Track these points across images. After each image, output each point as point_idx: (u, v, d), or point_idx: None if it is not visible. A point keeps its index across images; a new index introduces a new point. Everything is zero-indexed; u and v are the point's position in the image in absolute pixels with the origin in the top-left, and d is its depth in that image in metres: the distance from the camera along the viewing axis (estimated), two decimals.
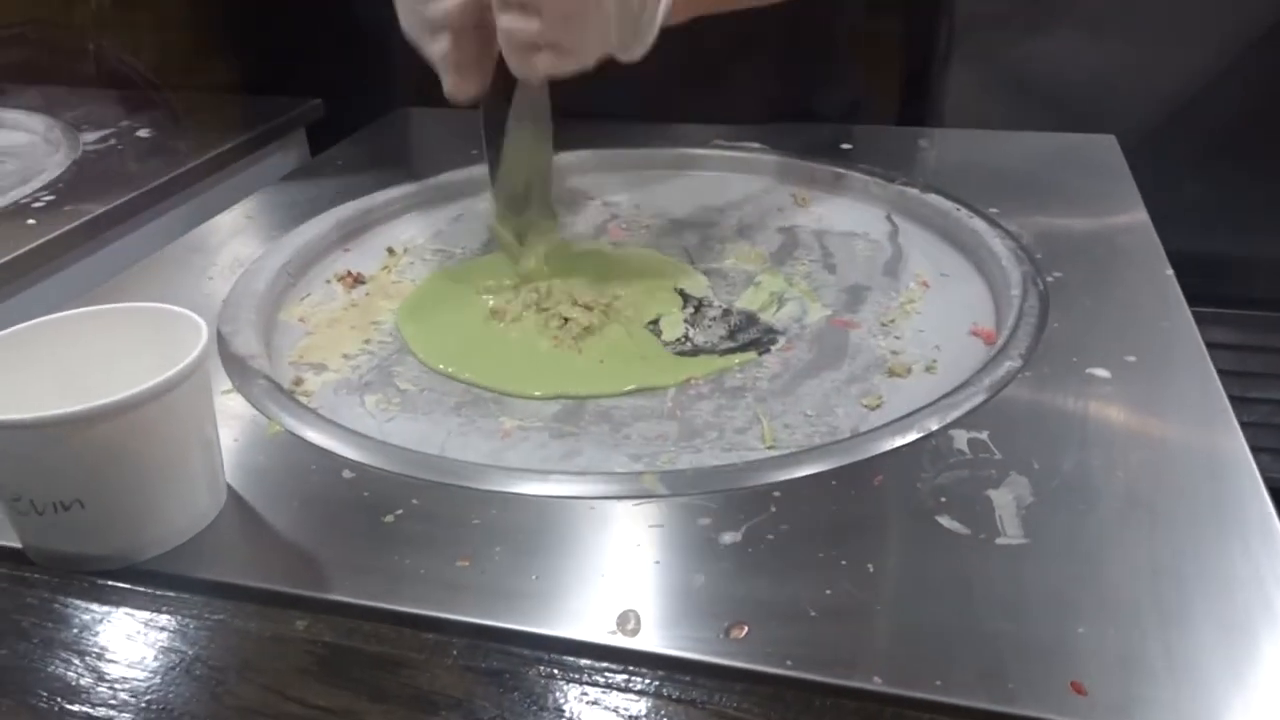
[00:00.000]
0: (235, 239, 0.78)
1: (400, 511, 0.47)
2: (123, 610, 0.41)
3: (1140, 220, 0.73)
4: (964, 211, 0.75)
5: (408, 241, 0.81)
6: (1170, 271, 0.65)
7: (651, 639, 0.39)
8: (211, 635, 0.39)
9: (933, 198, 0.78)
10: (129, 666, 0.38)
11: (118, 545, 0.43)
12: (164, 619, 0.40)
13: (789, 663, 0.37)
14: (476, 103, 0.66)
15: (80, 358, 0.47)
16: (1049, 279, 0.65)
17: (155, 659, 0.38)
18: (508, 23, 0.60)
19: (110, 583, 0.43)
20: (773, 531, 0.44)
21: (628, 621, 0.39)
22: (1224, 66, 1.27)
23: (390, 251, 0.79)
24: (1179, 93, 1.29)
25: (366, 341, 0.66)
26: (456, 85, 0.64)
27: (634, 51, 0.63)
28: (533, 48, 0.61)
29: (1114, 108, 1.11)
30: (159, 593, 0.42)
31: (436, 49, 0.64)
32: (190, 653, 0.38)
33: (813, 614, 0.40)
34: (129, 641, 0.39)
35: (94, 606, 0.41)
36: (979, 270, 0.70)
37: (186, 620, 0.40)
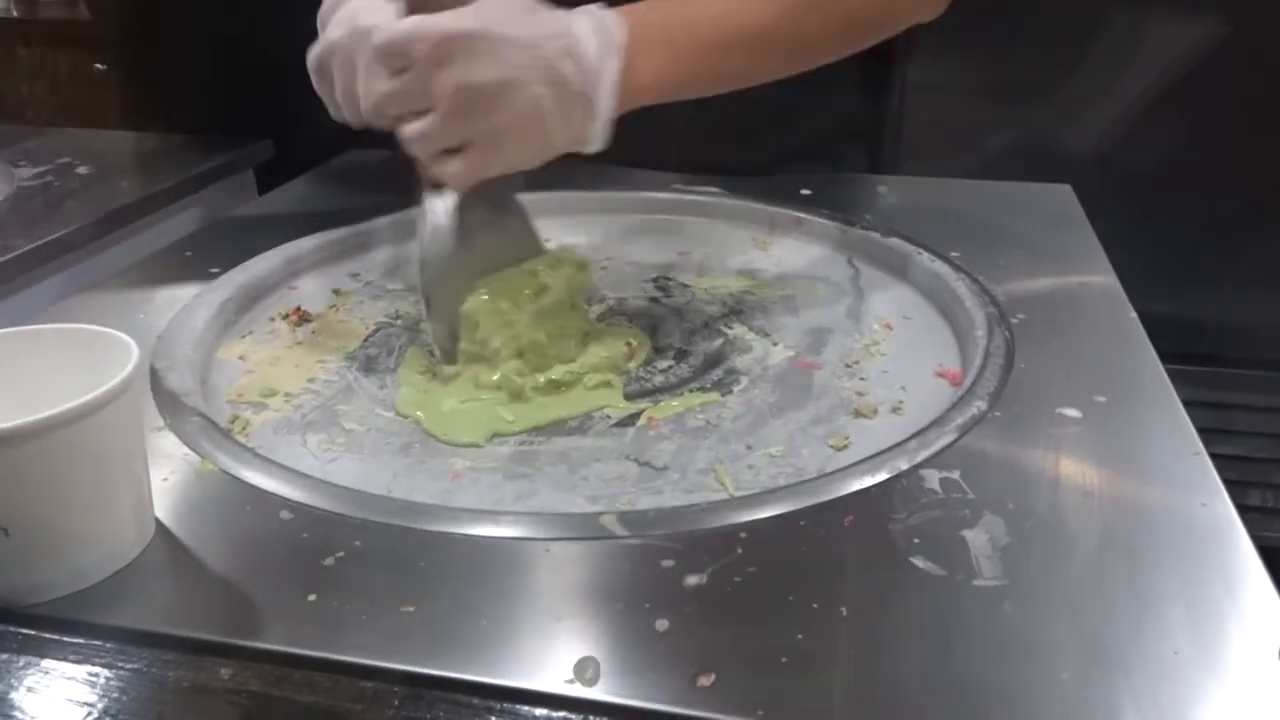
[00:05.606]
0: (173, 275, 0.74)
1: (341, 554, 0.43)
2: (24, 658, 0.37)
3: (1101, 265, 0.73)
4: (926, 255, 0.74)
5: (355, 281, 0.78)
6: (1134, 314, 0.65)
7: (612, 688, 0.36)
8: (125, 686, 0.35)
9: (894, 241, 0.77)
10: None
11: (36, 578, 0.40)
12: (70, 668, 0.36)
13: (760, 712, 0.35)
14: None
15: (4, 380, 0.44)
16: (1013, 321, 0.64)
17: (58, 714, 0.34)
18: (408, 129, 0.57)
19: (9, 627, 0.39)
20: (740, 574, 0.42)
21: (586, 669, 0.37)
22: (1173, 126, 1.31)
23: (337, 292, 0.76)
24: (1127, 152, 1.32)
25: (311, 380, 0.63)
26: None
27: (587, 146, 0.60)
28: (443, 153, 0.58)
29: (1067, 168, 1.13)
30: (66, 639, 0.38)
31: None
32: (100, 706, 0.34)
33: (784, 660, 0.37)
34: (29, 694, 0.35)
35: None
36: (942, 313, 0.69)
37: (97, 669, 0.36)
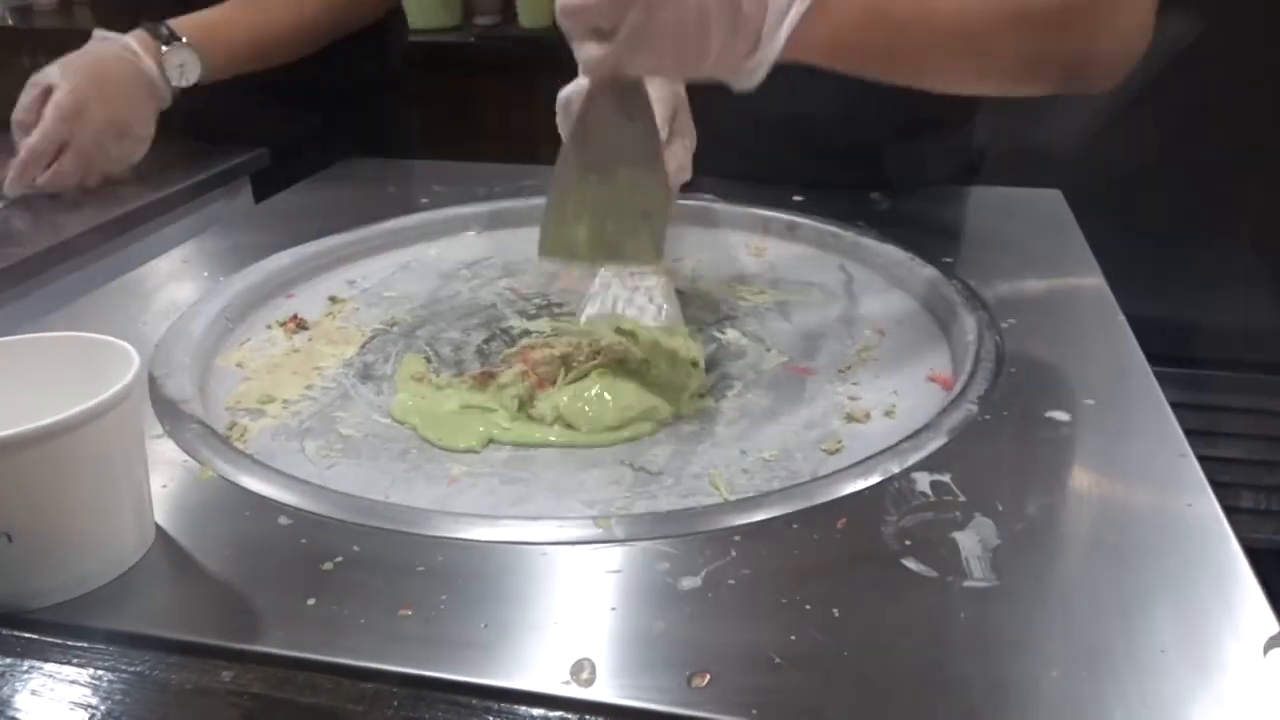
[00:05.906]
0: (171, 283, 0.75)
1: (340, 559, 0.44)
2: (27, 662, 0.37)
3: (1090, 269, 0.74)
4: (917, 260, 0.75)
5: (352, 288, 0.78)
6: (1122, 318, 0.65)
7: (608, 689, 0.36)
8: (128, 689, 0.36)
9: (886, 247, 0.78)
10: None
11: (38, 583, 0.40)
12: (73, 671, 0.36)
13: (754, 712, 0.35)
14: None
15: (6, 388, 0.45)
16: (1003, 326, 0.65)
17: (62, 717, 0.35)
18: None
19: (13, 632, 0.39)
20: (734, 576, 0.42)
21: (582, 670, 0.37)
22: (1162, 133, 1.32)
23: (333, 299, 0.76)
24: (1118, 158, 1.33)
25: (308, 387, 0.64)
26: None
27: (742, 77, 0.55)
28: (594, 32, 0.53)
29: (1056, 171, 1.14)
30: (68, 643, 0.38)
31: None
32: (103, 709, 0.35)
33: (777, 661, 0.38)
34: (33, 698, 0.36)
35: None
36: (934, 318, 0.70)
37: (100, 672, 0.36)
